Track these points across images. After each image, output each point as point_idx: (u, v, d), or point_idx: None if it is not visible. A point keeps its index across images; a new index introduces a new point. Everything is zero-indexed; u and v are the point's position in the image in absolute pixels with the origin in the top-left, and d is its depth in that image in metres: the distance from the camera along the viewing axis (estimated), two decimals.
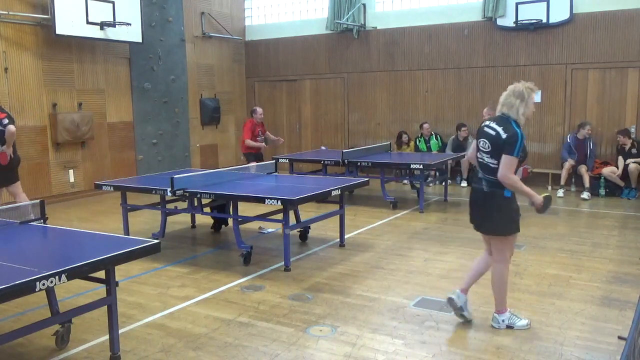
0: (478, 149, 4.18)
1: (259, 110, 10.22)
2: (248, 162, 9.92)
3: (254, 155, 10.08)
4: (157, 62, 11.50)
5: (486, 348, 3.95)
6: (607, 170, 9.78)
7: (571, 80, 10.59)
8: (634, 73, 10.05)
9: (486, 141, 4.09)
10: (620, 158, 9.84)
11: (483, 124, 4.22)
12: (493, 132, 4.05)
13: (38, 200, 4.64)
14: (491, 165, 4.06)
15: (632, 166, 9.56)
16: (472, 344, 4.02)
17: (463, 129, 11.11)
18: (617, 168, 9.80)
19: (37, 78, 9.62)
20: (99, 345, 4.04)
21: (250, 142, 9.89)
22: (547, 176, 10.64)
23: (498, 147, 4.00)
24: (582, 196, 9.88)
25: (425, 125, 11.48)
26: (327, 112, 13.22)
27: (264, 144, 10.31)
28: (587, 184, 9.92)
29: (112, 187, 7.06)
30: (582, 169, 9.98)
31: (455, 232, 7.44)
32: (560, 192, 10.03)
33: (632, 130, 10.00)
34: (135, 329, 4.36)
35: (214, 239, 7.38)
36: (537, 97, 11.28)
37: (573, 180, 10.32)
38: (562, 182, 10.21)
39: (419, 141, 11.53)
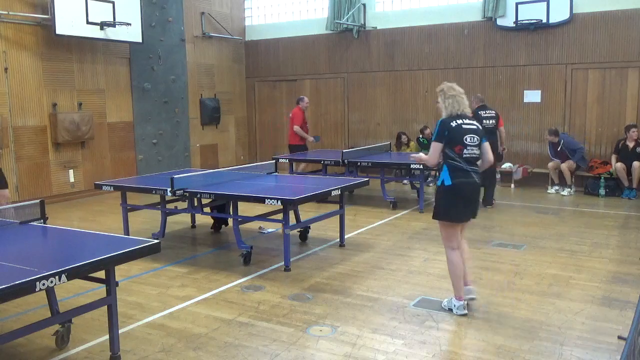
0: (465, 146, 4.45)
1: (306, 98, 10.51)
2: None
3: (301, 148, 10.15)
4: (157, 62, 11.50)
5: (486, 348, 3.95)
6: (620, 166, 9.71)
7: (571, 80, 10.59)
8: (634, 73, 10.05)
9: (474, 136, 4.50)
10: (615, 157, 9.84)
11: (462, 122, 4.50)
12: (475, 127, 4.55)
13: (38, 200, 4.64)
14: (478, 156, 4.56)
15: (636, 164, 9.53)
16: (472, 344, 4.03)
17: None
18: (612, 166, 9.83)
19: (37, 78, 9.62)
20: (99, 345, 4.04)
21: (299, 129, 10.08)
22: (547, 176, 10.64)
23: (480, 139, 4.55)
24: (562, 192, 10.02)
25: (427, 132, 11.44)
26: (327, 112, 13.22)
27: (311, 138, 10.44)
28: (568, 181, 10.06)
29: (112, 187, 7.06)
30: (563, 165, 10.04)
31: None
32: (565, 192, 10.06)
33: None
34: (135, 329, 4.36)
35: (214, 239, 7.38)
36: (537, 97, 11.39)
37: (573, 179, 10.33)
38: (556, 181, 10.26)
39: (423, 140, 11.56)
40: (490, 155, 4.60)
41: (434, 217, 4.71)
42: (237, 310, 4.73)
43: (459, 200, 4.50)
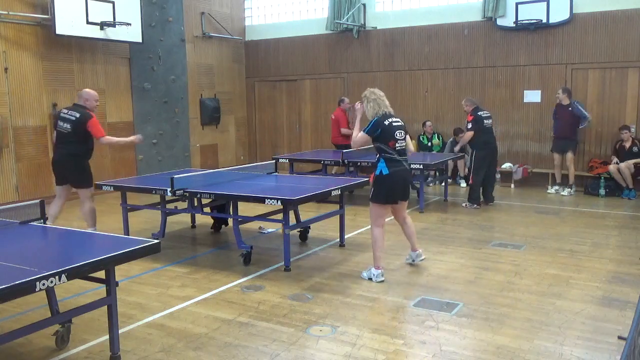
0: (396, 140, 5.29)
1: (347, 99, 10.81)
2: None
3: (346, 147, 10.21)
4: (157, 62, 11.49)
5: (486, 348, 3.95)
6: (614, 167, 9.68)
7: (571, 80, 10.58)
8: (634, 73, 10.05)
9: (402, 131, 5.39)
10: (614, 158, 9.82)
11: (392, 121, 5.30)
12: (401, 123, 5.43)
13: (38, 200, 4.64)
14: (405, 147, 5.44)
15: (622, 165, 9.53)
16: (472, 344, 4.03)
17: (460, 134, 11.15)
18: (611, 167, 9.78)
19: (37, 78, 9.62)
20: (99, 345, 4.05)
21: (347, 131, 10.28)
22: (547, 176, 10.64)
23: (405, 133, 5.47)
24: (562, 192, 9.98)
25: (428, 123, 11.51)
26: (327, 112, 13.19)
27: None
28: (571, 179, 9.98)
29: (112, 187, 7.06)
30: (569, 162, 9.94)
31: (455, 232, 7.44)
32: (565, 192, 10.04)
33: (632, 129, 10.00)
34: (135, 329, 4.37)
35: (214, 239, 7.38)
36: (537, 97, 11.39)
37: (574, 180, 10.34)
38: (558, 179, 10.24)
39: (423, 138, 11.59)
40: (411, 146, 5.67)
41: (372, 200, 5.50)
42: (237, 310, 4.73)
43: (395, 185, 5.34)
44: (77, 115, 6.63)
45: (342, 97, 11.30)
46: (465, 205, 9.07)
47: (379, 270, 5.41)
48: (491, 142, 9.04)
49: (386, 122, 5.27)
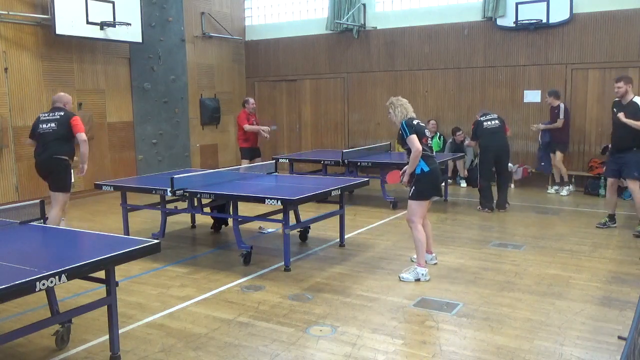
0: (427, 138, 5.54)
1: (251, 100, 10.27)
2: (242, 159, 10.00)
3: (250, 150, 10.02)
4: (157, 62, 11.50)
5: (486, 348, 3.95)
6: None
7: (571, 80, 10.58)
8: (634, 73, 10.01)
9: (428, 130, 5.73)
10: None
11: (418, 122, 5.51)
12: (425, 124, 5.71)
13: (38, 200, 4.64)
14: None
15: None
16: (472, 344, 4.03)
17: (458, 133, 11.17)
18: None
19: (37, 78, 9.61)
20: (99, 345, 4.05)
21: (248, 127, 9.87)
22: (547, 176, 10.64)
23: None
24: (561, 193, 9.95)
25: (432, 122, 11.45)
26: (327, 112, 13.21)
27: (264, 128, 10.24)
28: (565, 177, 10.01)
29: (112, 187, 7.07)
30: (558, 162, 9.96)
31: (455, 232, 7.44)
32: (564, 191, 10.03)
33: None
34: (135, 329, 4.37)
35: (214, 239, 7.38)
36: (537, 97, 11.34)
37: (573, 179, 10.34)
38: (557, 179, 10.23)
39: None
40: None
41: (414, 199, 5.46)
42: (237, 310, 4.73)
43: (435, 180, 5.52)
44: (62, 113, 6.69)
45: (246, 97, 10.74)
46: (478, 208, 8.83)
47: (426, 269, 5.44)
48: (493, 144, 8.60)
49: (415, 122, 5.47)
